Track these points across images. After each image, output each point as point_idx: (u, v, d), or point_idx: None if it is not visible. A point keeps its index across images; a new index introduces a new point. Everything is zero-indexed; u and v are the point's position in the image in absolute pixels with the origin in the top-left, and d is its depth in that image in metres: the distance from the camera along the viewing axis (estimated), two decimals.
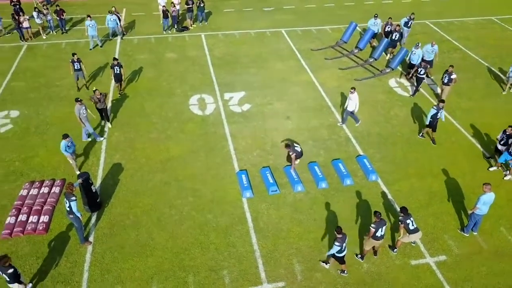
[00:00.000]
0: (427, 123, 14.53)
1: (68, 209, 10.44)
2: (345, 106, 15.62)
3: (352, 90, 15.05)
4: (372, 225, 10.00)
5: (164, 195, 12.55)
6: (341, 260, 10.09)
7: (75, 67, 17.06)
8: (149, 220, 11.73)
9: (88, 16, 20.91)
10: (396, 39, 20.21)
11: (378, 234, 10.05)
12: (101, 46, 21.67)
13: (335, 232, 9.73)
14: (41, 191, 12.45)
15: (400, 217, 10.43)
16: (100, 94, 14.77)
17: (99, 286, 9.98)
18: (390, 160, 14.14)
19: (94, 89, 15.03)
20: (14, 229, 11.20)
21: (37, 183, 12.79)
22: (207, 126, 15.62)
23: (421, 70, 17.06)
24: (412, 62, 18.31)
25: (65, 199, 10.42)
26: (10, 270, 9.00)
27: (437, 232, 11.64)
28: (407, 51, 18.73)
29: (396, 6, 28.19)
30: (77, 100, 14.07)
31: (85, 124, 14.38)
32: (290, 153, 12.54)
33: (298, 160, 13.15)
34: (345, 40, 21.73)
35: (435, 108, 14.24)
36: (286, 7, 27.83)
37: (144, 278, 10.18)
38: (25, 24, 21.72)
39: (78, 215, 10.49)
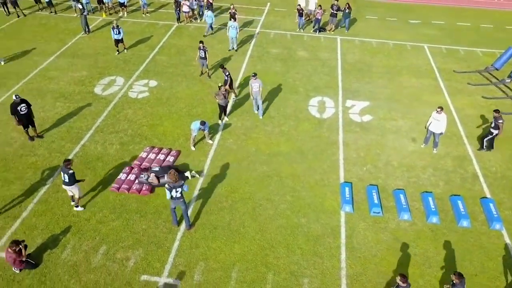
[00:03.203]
0: None
1: (180, 195, 10.58)
2: (427, 125, 14.02)
3: (439, 110, 13.49)
4: (446, 285, 8.60)
5: (264, 188, 12.60)
6: None
7: (201, 55, 17.76)
8: (244, 208, 11.89)
9: (231, 18, 21.23)
10: None
11: None
12: (236, 50, 21.31)
13: (399, 280, 8.52)
14: (157, 157, 13.51)
15: None
16: (225, 90, 14.96)
17: (185, 257, 10.44)
18: None
19: (220, 85, 15.25)
20: (122, 185, 12.35)
21: (156, 149, 13.91)
22: (321, 129, 15.27)
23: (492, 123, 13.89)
24: None
25: (173, 190, 10.39)
26: (71, 171, 10.85)
27: None
28: None
29: None
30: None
31: (254, 98, 15.44)
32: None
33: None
34: (497, 67, 19.23)
35: None
36: (434, 22, 25.78)
37: (227, 262, 10.35)
38: (185, 8, 23.75)
39: (186, 189, 10.97)
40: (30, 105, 13.87)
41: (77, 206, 11.61)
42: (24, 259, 9.66)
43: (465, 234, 11.30)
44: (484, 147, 14.33)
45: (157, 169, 12.54)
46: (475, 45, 22.70)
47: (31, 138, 14.18)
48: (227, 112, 15.89)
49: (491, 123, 13.97)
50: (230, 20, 21.17)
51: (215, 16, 25.15)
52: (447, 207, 12.12)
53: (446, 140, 14.79)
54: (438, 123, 13.68)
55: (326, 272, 10.20)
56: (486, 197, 12.53)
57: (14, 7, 24.05)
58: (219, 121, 15.44)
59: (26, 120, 13.78)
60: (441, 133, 13.89)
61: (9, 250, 9.44)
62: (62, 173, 10.94)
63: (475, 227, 11.52)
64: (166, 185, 10.51)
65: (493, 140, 14.17)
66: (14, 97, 13.46)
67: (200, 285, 9.79)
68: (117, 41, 20.14)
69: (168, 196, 10.57)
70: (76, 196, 11.40)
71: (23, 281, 9.69)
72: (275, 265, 10.31)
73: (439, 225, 11.56)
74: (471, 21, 26.12)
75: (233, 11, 22.10)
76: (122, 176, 12.68)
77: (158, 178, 12.36)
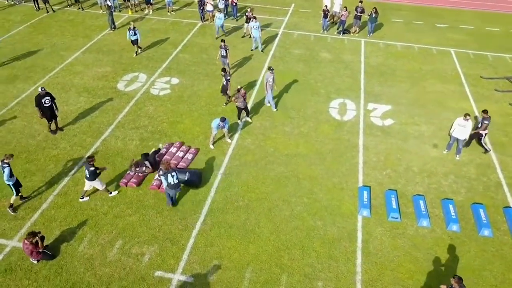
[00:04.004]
0: None
1: (176, 181, 11.21)
2: (451, 131, 13.69)
3: (467, 117, 13.13)
4: (442, 286, 8.42)
5: (281, 189, 12.52)
6: None
7: (222, 54, 17.95)
8: (260, 208, 11.84)
9: (254, 17, 20.86)
10: None
11: None
12: (262, 51, 20.98)
13: (454, 283, 8.32)
14: (176, 154, 13.58)
15: None
16: (245, 92, 14.83)
17: (200, 254, 10.46)
18: None
19: (239, 87, 15.11)
20: (131, 180, 12.51)
21: (177, 143, 14.05)
22: (341, 132, 15.08)
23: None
24: None
25: (168, 175, 11.06)
26: (91, 168, 11.18)
27: None
28: None
29: None
30: (269, 68, 15.58)
31: (268, 91, 15.76)
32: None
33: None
34: None
35: None
36: (462, 26, 25.16)
37: (241, 262, 10.31)
38: (208, 8, 23.82)
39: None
40: (54, 99, 14.17)
41: (110, 193, 12.05)
42: (41, 250, 9.86)
43: (486, 244, 10.97)
44: (488, 149, 14.18)
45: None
46: (504, 50, 22.03)
47: (54, 132, 14.48)
48: (249, 112, 15.75)
49: (479, 123, 13.87)
50: (251, 21, 20.76)
51: (239, 16, 25.21)
52: (468, 215, 11.79)
53: (469, 147, 14.38)
54: (463, 130, 13.33)
55: (341, 276, 10.05)
56: (510, 207, 12.13)
57: (44, 3, 24.64)
58: (238, 121, 15.41)
59: (50, 112, 14.07)
60: (465, 140, 13.54)
61: (26, 241, 9.62)
62: (85, 168, 11.33)
63: (497, 237, 11.16)
64: (160, 172, 10.94)
65: (480, 140, 14.08)
66: (39, 90, 13.77)
67: (213, 284, 9.78)
68: (133, 42, 19.88)
69: (164, 184, 11.08)
70: (100, 189, 11.74)
71: (40, 271, 9.88)
72: (289, 267, 10.22)
73: (459, 233, 11.25)
74: (501, 26, 25.39)
75: (250, 14, 21.84)
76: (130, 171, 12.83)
77: (152, 166, 12.74)
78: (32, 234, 9.67)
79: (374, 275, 10.10)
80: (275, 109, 16.14)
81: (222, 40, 17.94)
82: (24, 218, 11.26)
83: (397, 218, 11.55)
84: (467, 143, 14.22)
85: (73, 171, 12.87)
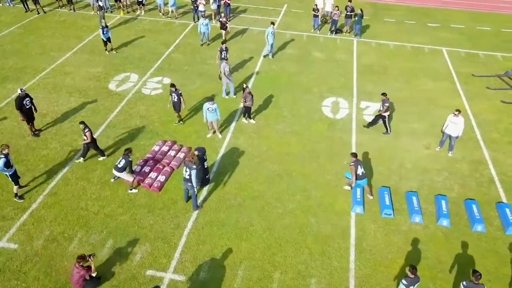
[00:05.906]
0: None
1: (188, 177, 10.97)
2: (443, 128, 13.80)
3: (456, 113, 13.22)
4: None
5: (274, 187, 12.45)
6: None
7: (222, 56, 17.47)
8: (253, 206, 11.75)
9: (272, 23, 19.85)
10: None
11: None
12: (268, 57, 20.34)
13: (408, 271, 8.36)
14: (169, 153, 13.47)
15: None
16: (250, 92, 14.49)
17: (192, 253, 10.34)
18: None
19: (245, 85, 14.82)
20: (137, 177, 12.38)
21: (169, 142, 13.96)
22: (334, 130, 15.04)
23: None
24: None
25: (185, 167, 10.99)
26: (130, 159, 11.63)
27: None
28: None
29: None
30: (224, 58, 16.39)
31: (228, 78, 16.21)
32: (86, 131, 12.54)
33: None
34: None
35: None
36: (454, 26, 25.28)
37: (234, 260, 10.21)
38: (201, 8, 23.69)
39: (195, 184, 11.00)
40: (32, 99, 13.99)
41: (131, 189, 12.11)
42: (93, 274, 9.12)
43: (480, 239, 10.95)
44: (389, 131, 14.91)
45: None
46: (495, 49, 22.16)
47: (36, 134, 14.26)
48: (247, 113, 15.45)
49: (380, 106, 14.56)
50: (271, 25, 19.68)
51: (231, 16, 25.16)
52: (461, 211, 11.77)
53: (462, 144, 14.41)
54: (455, 126, 13.35)
55: (334, 273, 9.98)
56: (503, 202, 12.13)
57: (35, 4, 24.45)
58: (244, 120, 15.33)
59: (31, 114, 13.90)
60: (457, 136, 13.55)
61: (77, 266, 8.74)
62: (122, 159, 11.66)
63: (490, 232, 11.15)
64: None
65: (387, 122, 14.82)
66: (19, 91, 13.54)
67: (206, 282, 9.68)
68: (106, 41, 19.78)
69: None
70: (129, 179, 11.97)
71: (29, 272, 9.71)
72: (282, 264, 10.14)
73: (452, 228, 11.23)
74: (492, 26, 25.54)
75: (224, 19, 21.42)
76: (136, 168, 12.73)
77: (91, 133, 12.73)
78: (82, 257, 8.75)
79: (368, 272, 10.04)
80: (234, 96, 16.75)
81: (223, 42, 17.66)
82: (13, 218, 11.08)
83: (390, 214, 11.51)
84: (372, 123, 15.02)
85: (63, 171, 12.71)
